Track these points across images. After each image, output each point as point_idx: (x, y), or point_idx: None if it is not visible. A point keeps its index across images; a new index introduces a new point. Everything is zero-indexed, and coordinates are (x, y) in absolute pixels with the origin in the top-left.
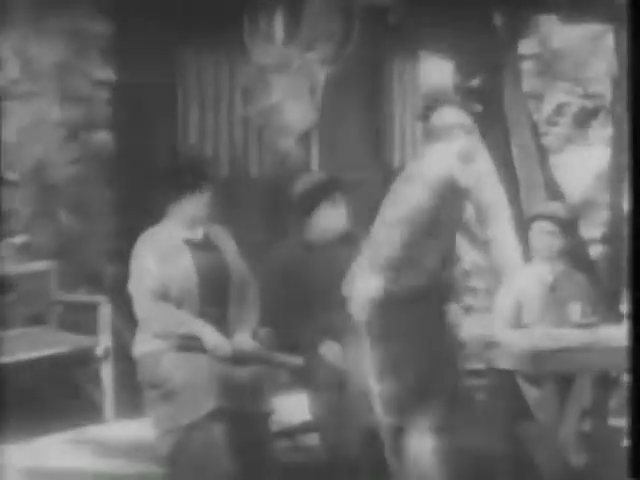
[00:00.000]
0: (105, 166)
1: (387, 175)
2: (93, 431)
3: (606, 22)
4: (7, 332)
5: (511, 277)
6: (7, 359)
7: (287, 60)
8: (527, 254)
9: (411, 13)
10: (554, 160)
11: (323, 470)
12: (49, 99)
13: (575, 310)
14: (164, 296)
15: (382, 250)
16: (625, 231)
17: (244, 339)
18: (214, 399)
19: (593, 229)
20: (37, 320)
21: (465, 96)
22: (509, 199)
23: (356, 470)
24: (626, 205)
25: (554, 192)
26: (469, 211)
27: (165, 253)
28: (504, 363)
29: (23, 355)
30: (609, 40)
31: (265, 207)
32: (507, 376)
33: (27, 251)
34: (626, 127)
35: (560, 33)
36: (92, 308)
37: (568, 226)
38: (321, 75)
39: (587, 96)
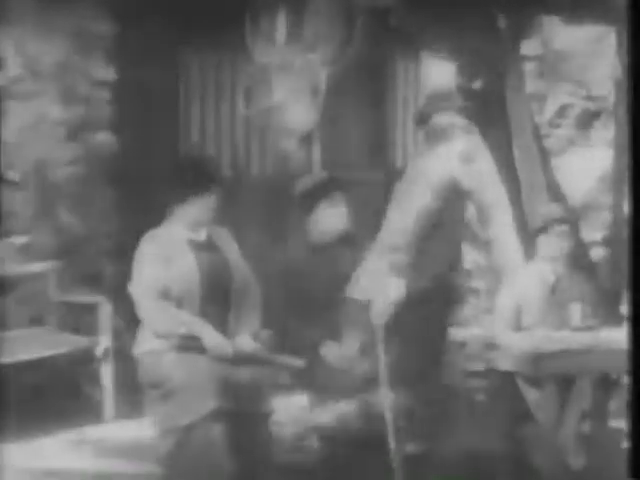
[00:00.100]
0: (105, 166)
1: (389, 175)
2: (93, 431)
3: (609, 23)
4: (7, 332)
5: (512, 277)
6: (7, 359)
7: (289, 60)
8: (528, 254)
9: (413, 14)
10: (556, 162)
11: (323, 470)
12: (50, 98)
13: (575, 311)
14: (165, 296)
15: (400, 254)
16: (626, 233)
17: (245, 340)
18: (214, 399)
19: (595, 231)
20: (37, 320)
21: (467, 97)
22: (510, 200)
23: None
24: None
25: (556, 194)
26: (470, 211)
27: (168, 254)
28: (504, 364)
29: (23, 355)
30: (612, 42)
31: (266, 207)
32: (507, 377)
33: (27, 251)
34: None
35: (563, 34)
36: (92, 308)
37: (574, 228)
38: (323, 75)
39: (590, 98)
